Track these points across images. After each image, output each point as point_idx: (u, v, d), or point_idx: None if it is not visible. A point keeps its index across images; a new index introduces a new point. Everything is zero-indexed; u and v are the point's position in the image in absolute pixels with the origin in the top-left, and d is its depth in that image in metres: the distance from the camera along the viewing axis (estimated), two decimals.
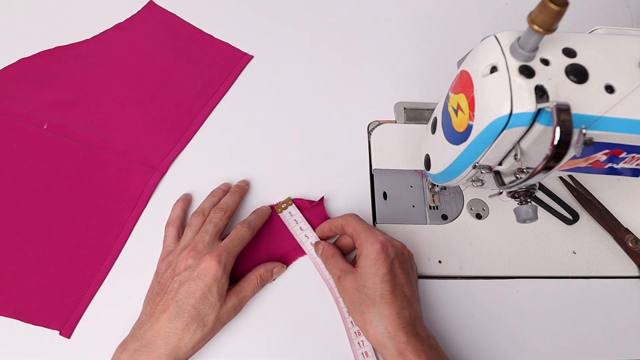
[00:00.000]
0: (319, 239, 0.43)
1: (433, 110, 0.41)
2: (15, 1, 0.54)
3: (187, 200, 0.44)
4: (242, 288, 0.39)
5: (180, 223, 0.43)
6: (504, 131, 0.29)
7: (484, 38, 0.31)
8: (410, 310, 0.36)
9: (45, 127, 0.47)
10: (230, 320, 0.38)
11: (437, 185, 0.46)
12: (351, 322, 0.40)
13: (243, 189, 0.45)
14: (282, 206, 0.45)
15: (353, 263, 0.40)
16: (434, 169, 0.40)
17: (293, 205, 0.45)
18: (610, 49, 0.30)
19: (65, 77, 0.50)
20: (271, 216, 0.44)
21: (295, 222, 0.44)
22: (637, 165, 0.34)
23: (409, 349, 0.34)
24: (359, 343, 0.39)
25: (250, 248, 0.42)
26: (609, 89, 0.29)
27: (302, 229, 0.44)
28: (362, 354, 0.39)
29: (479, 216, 0.47)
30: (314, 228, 0.44)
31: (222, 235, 0.41)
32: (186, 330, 0.35)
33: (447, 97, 0.35)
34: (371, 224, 0.46)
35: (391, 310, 0.35)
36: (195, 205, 0.45)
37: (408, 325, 0.35)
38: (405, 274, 0.38)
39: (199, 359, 0.38)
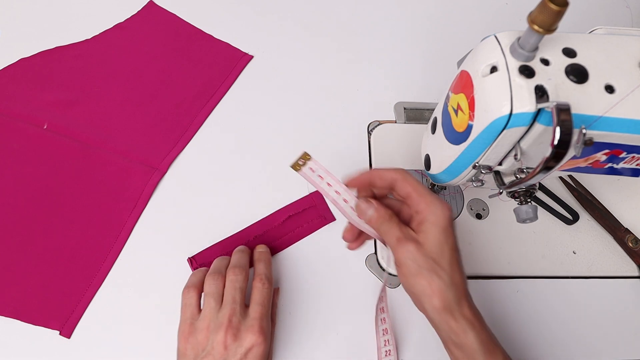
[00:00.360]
0: (356, 197, 0.37)
1: (433, 110, 0.41)
2: (15, 1, 0.54)
3: (203, 271, 0.40)
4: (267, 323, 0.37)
5: (201, 287, 0.38)
6: (504, 131, 0.29)
7: (484, 38, 0.31)
8: (465, 278, 0.34)
9: (45, 127, 0.47)
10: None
11: (437, 185, 0.46)
12: (382, 319, 0.39)
13: (248, 250, 0.42)
14: (300, 163, 0.37)
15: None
16: (434, 169, 0.40)
17: (313, 159, 0.37)
18: (610, 49, 0.30)
19: (65, 77, 0.50)
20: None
21: (320, 178, 0.37)
22: (637, 165, 0.34)
23: (472, 314, 0.33)
24: (385, 342, 0.39)
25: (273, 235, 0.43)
26: (609, 89, 0.29)
27: (330, 185, 0.36)
28: (386, 352, 0.39)
29: (479, 216, 0.47)
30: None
31: None
32: None
33: (447, 97, 0.35)
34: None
35: (459, 277, 0.33)
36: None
37: (467, 291, 0.34)
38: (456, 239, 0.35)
39: None
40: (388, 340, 0.39)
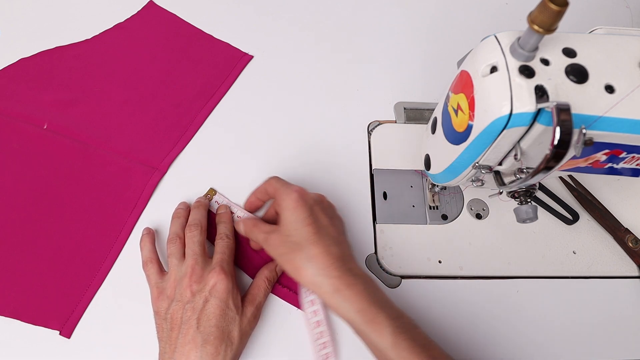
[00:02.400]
0: (249, 214, 0.43)
1: (433, 110, 0.41)
2: (15, 1, 0.54)
3: (151, 234, 0.42)
4: (254, 295, 0.39)
5: (156, 258, 0.40)
6: (504, 131, 0.29)
7: (484, 38, 0.31)
8: (339, 248, 0.36)
9: (45, 127, 0.47)
10: (252, 331, 0.38)
11: (437, 185, 0.46)
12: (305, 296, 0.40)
13: (205, 203, 0.43)
14: (208, 197, 0.45)
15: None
16: (434, 169, 0.40)
17: (217, 193, 0.45)
18: (610, 49, 0.30)
19: (65, 77, 0.50)
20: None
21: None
22: (637, 165, 0.34)
23: (342, 284, 0.34)
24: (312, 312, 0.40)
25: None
26: (609, 89, 0.29)
27: (233, 213, 0.44)
28: (315, 322, 0.39)
29: (479, 216, 0.47)
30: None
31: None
32: (217, 354, 0.34)
33: (447, 97, 0.35)
34: (371, 223, 0.46)
35: (318, 248, 0.35)
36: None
37: (338, 261, 0.35)
38: (327, 217, 0.38)
39: None
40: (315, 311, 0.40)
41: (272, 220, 0.42)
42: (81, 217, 0.43)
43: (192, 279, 0.36)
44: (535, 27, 0.26)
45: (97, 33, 0.53)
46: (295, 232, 0.36)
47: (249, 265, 0.43)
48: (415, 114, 0.52)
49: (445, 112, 0.36)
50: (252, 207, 0.44)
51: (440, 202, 0.47)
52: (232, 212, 0.43)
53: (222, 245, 0.40)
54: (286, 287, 0.42)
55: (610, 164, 0.33)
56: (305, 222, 0.36)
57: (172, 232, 0.41)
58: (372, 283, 0.36)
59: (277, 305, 0.41)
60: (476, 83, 0.30)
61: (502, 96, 0.28)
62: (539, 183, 0.39)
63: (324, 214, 0.38)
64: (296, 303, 0.41)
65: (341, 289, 0.34)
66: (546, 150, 0.27)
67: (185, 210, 0.43)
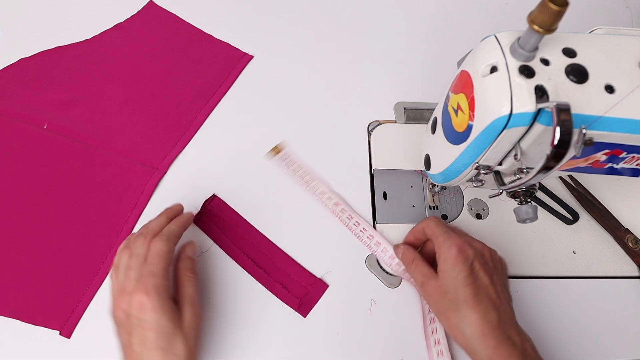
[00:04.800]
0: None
1: (433, 110, 0.41)
2: (15, 1, 0.54)
3: (129, 243, 0.38)
4: (182, 294, 0.36)
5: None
6: (504, 131, 0.29)
7: (484, 38, 0.31)
8: (498, 313, 0.34)
9: (45, 127, 0.47)
10: (200, 327, 0.36)
11: (437, 185, 0.46)
12: (430, 319, 0.40)
13: (174, 210, 0.40)
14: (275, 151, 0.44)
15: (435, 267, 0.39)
16: (434, 169, 0.40)
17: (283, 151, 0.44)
18: (610, 49, 0.30)
19: (65, 77, 0.50)
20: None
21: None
22: (637, 165, 0.34)
23: (498, 355, 0.33)
24: (435, 341, 0.39)
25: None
26: (609, 89, 0.29)
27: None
28: (438, 352, 0.39)
29: (479, 216, 0.47)
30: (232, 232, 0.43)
31: None
32: None
33: (447, 97, 0.35)
34: (371, 223, 0.46)
35: (476, 314, 0.34)
36: None
37: (497, 329, 0.33)
38: (488, 275, 0.36)
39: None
40: (439, 343, 0.39)
41: (429, 253, 0.41)
42: (81, 217, 0.43)
43: (121, 298, 0.34)
44: (535, 27, 0.26)
45: (97, 33, 0.53)
46: (453, 289, 0.35)
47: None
48: (415, 114, 0.52)
49: (445, 112, 0.36)
50: (410, 245, 0.42)
51: (440, 202, 0.47)
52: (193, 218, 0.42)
53: (153, 250, 0.35)
54: (286, 289, 0.42)
55: (610, 164, 0.33)
56: (464, 282, 0.35)
57: (126, 242, 0.37)
58: (530, 352, 0.34)
59: (277, 307, 0.41)
60: (476, 83, 0.30)
61: (502, 96, 0.28)
62: (539, 183, 0.39)
63: (484, 271, 0.36)
64: (293, 305, 0.41)
65: (490, 353, 0.33)
66: (546, 150, 0.27)
67: (159, 226, 0.39)
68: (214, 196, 0.45)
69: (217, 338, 0.40)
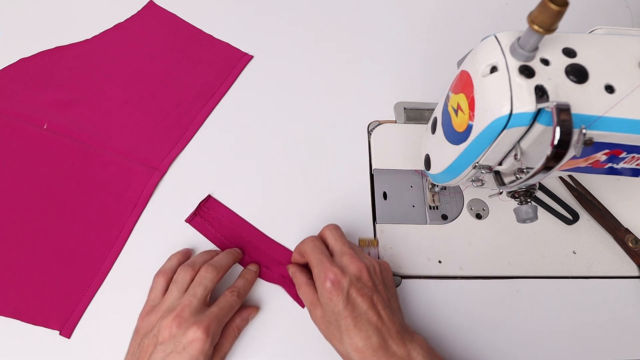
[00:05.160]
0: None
1: (433, 110, 0.41)
2: (15, 1, 0.54)
3: (187, 254, 0.42)
4: (222, 345, 0.37)
5: (171, 275, 0.39)
6: (504, 131, 0.29)
7: (484, 38, 0.31)
8: (380, 335, 0.35)
9: (45, 127, 0.47)
10: None
11: (437, 185, 0.46)
12: None
13: (238, 254, 0.42)
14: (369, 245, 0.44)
15: None
16: (434, 169, 0.40)
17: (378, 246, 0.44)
18: (610, 49, 0.30)
19: (65, 77, 0.50)
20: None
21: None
22: (637, 165, 0.34)
23: None
24: None
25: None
26: (609, 89, 0.29)
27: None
28: None
29: (479, 216, 0.47)
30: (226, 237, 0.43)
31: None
32: None
33: (447, 97, 0.35)
34: (371, 223, 0.46)
35: (358, 341, 0.34)
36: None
37: (379, 350, 0.34)
38: (367, 298, 0.35)
39: None
40: None
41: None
42: (81, 217, 0.43)
43: (175, 321, 0.35)
44: (535, 27, 0.26)
45: (97, 33, 0.53)
46: (335, 321, 0.35)
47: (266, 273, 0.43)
48: (415, 114, 0.52)
49: (445, 112, 0.36)
50: (295, 262, 0.42)
51: (440, 202, 0.47)
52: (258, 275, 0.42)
53: (227, 301, 0.38)
54: (287, 278, 0.42)
55: (610, 164, 0.33)
56: (342, 313, 0.35)
57: (192, 261, 0.40)
58: (416, 357, 0.35)
59: (276, 306, 0.42)
60: (476, 83, 0.30)
61: (502, 96, 0.28)
62: (539, 183, 0.39)
63: (362, 295, 0.35)
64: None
65: None
66: (546, 150, 0.27)
67: (215, 252, 0.42)
68: (208, 197, 0.45)
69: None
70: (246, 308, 0.40)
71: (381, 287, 0.37)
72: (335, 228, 0.41)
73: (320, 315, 0.37)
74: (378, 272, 0.38)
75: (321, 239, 0.40)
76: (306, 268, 0.41)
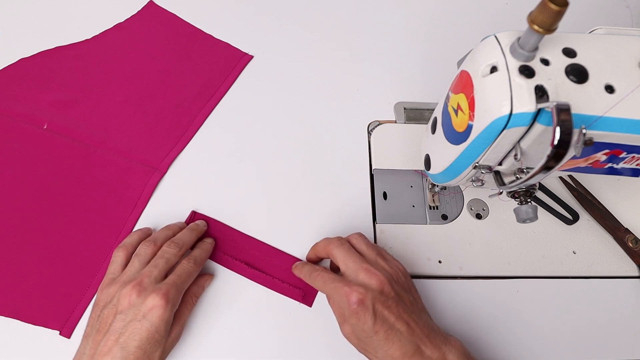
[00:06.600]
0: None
1: (433, 110, 0.41)
2: (15, 1, 0.54)
3: (147, 232, 0.42)
4: (181, 314, 0.38)
5: (132, 250, 0.40)
6: (504, 131, 0.29)
7: (484, 38, 0.31)
8: (412, 343, 0.34)
9: (45, 127, 0.47)
10: (174, 347, 0.37)
11: (437, 185, 0.46)
12: None
13: (201, 229, 0.43)
14: None
15: None
16: (434, 169, 0.40)
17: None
18: (610, 49, 0.30)
19: (65, 77, 0.50)
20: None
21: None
22: (637, 165, 0.34)
23: None
24: None
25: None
26: (609, 89, 0.29)
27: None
28: None
29: (479, 216, 0.47)
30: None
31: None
32: None
33: (447, 97, 0.35)
34: (371, 223, 0.46)
35: (393, 352, 0.34)
36: None
37: (415, 356, 0.34)
38: (393, 310, 0.35)
39: (199, 354, 0.38)
40: None
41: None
42: (81, 217, 0.43)
43: (135, 289, 0.35)
44: (535, 27, 0.26)
45: (97, 33, 0.53)
46: (366, 338, 0.35)
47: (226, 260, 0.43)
48: (415, 114, 0.52)
49: (445, 112, 0.36)
50: (313, 259, 0.42)
51: (440, 202, 0.47)
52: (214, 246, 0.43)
53: (184, 268, 0.38)
54: (286, 283, 0.42)
55: (610, 164, 0.33)
56: (372, 330, 0.34)
57: (154, 236, 0.40)
58: (452, 358, 0.35)
59: (281, 303, 0.42)
60: (476, 83, 0.30)
61: (502, 96, 0.28)
62: (539, 183, 0.39)
63: (388, 308, 0.35)
64: (297, 297, 0.41)
65: None
66: (546, 150, 0.27)
67: (178, 228, 0.42)
68: (194, 213, 0.44)
69: (231, 344, 0.40)
70: (202, 276, 0.41)
71: (404, 295, 0.37)
72: (361, 235, 0.41)
73: (350, 331, 0.36)
74: (398, 279, 0.38)
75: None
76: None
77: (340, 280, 0.37)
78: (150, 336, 0.34)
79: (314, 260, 0.42)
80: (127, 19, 0.55)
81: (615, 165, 0.34)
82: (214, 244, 0.43)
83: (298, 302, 0.41)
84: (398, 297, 0.36)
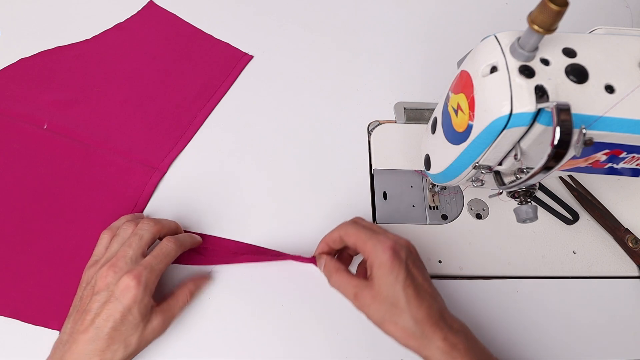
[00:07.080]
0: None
1: (433, 110, 0.41)
2: (15, 1, 0.54)
3: (137, 217, 0.41)
4: (170, 306, 0.37)
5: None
6: (504, 131, 0.29)
7: (484, 38, 0.31)
8: (436, 304, 0.35)
9: (45, 127, 0.47)
10: (156, 338, 0.36)
11: (437, 185, 0.46)
12: None
13: (179, 227, 0.42)
14: None
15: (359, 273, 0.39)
16: (434, 169, 0.40)
17: None
18: (610, 49, 0.30)
19: (65, 77, 0.50)
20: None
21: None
22: (637, 165, 0.34)
23: (447, 345, 0.33)
24: None
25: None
26: (609, 89, 0.29)
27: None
28: None
29: (479, 216, 0.47)
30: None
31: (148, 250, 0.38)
32: (107, 351, 0.33)
33: (447, 97, 0.35)
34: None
35: (423, 311, 0.34)
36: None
37: (440, 320, 0.34)
38: (420, 271, 0.36)
39: (199, 354, 0.38)
40: None
41: (345, 264, 0.40)
42: (81, 217, 0.43)
43: (110, 270, 0.35)
44: (535, 27, 0.26)
45: (97, 33, 0.53)
46: (395, 293, 0.34)
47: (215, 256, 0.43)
48: (415, 114, 0.52)
49: (445, 112, 0.36)
50: (322, 253, 0.41)
51: (440, 202, 0.47)
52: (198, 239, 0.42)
53: (162, 248, 0.37)
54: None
55: (610, 164, 0.33)
56: (404, 284, 0.34)
57: (135, 215, 0.41)
58: (470, 335, 0.35)
59: (277, 306, 0.42)
60: (476, 83, 0.30)
61: (502, 96, 0.28)
62: (539, 183, 0.39)
63: (416, 268, 0.35)
64: (307, 260, 0.41)
65: (446, 350, 0.33)
66: (546, 150, 0.27)
67: (169, 223, 0.41)
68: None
69: (231, 344, 0.40)
70: (207, 275, 0.41)
71: (422, 263, 0.38)
72: (361, 219, 0.40)
73: (371, 295, 0.35)
74: (416, 251, 0.39)
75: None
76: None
77: (374, 234, 0.36)
78: (124, 317, 0.33)
79: (327, 253, 0.41)
80: (127, 19, 0.55)
81: (615, 165, 0.34)
82: (201, 242, 0.42)
83: (298, 303, 0.41)
84: (421, 262, 0.37)
